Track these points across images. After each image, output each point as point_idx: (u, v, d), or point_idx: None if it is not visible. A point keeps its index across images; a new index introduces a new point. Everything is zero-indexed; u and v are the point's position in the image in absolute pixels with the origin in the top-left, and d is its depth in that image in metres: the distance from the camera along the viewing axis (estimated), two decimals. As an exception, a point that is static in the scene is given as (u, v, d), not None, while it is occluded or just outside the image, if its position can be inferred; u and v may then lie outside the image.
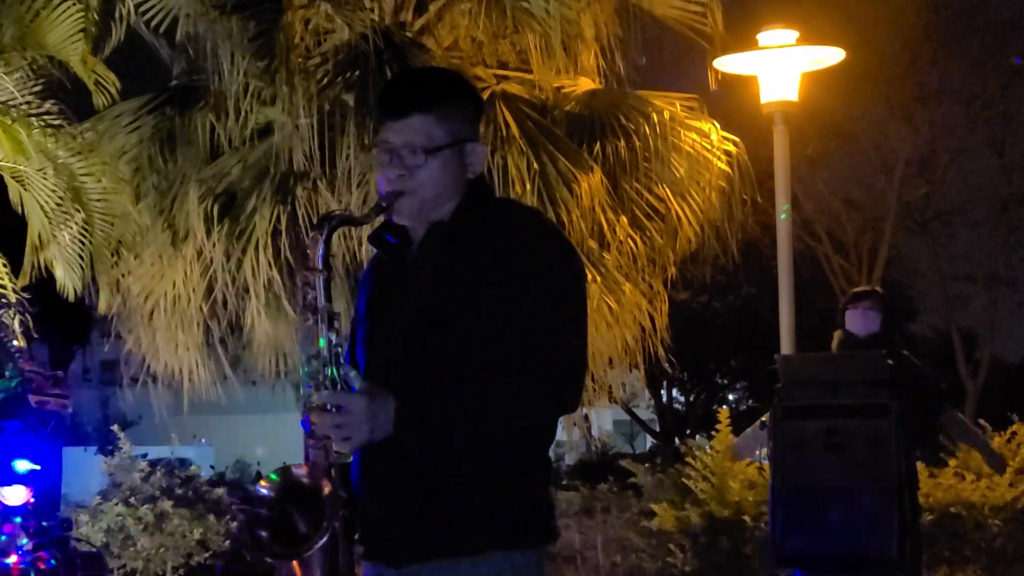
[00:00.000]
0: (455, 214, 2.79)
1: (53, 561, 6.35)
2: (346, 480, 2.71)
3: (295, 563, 2.66)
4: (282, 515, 2.64)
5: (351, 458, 2.71)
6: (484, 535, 2.69)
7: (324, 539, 2.62)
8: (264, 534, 2.64)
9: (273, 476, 2.67)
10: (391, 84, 3.03)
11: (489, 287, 2.68)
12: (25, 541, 6.33)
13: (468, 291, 2.70)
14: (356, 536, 2.75)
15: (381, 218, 2.81)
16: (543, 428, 2.79)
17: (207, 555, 10.05)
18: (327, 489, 2.64)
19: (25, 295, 7.86)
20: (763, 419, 7.07)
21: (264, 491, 2.65)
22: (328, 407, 2.64)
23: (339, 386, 2.67)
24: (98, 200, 7.96)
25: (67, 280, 8.02)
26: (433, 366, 2.69)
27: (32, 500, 6.71)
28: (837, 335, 7.07)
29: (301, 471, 2.67)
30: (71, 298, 8.15)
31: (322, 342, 2.69)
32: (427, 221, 2.79)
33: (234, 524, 10.24)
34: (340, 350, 2.70)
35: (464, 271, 2.72)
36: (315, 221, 2.88)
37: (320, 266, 2.72)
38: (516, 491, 2.71)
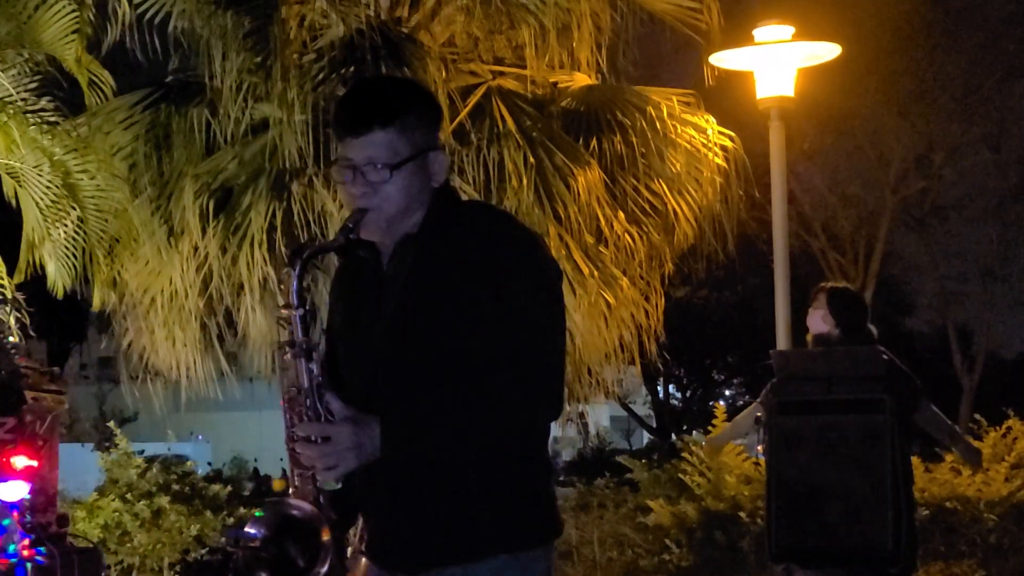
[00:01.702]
0: (423, 225, 2.76)
1: (45, 559, 6.35)
2: (335, 500, 2.72)
3: None
4: (279, 553, 2.65)
5: (339, 486, 2.72)
6: (493, 539, 2.70)
7: (324, 569, 2.64)
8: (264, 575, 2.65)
9: (259, 513, 2.68)
10: (348, 99, 2.81)
11: (463, 298, 2.67)
12: (14, 546, 6.32)
13: (443, 305, 2.69)
14: (363, 547, 2.78)
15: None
16: (537, 428, 2.78)
17: (204, 551, 10.06)
18: (320, 521, 2.66)
19: (21, 293, 7.85)
20: (758, 414, 7.05)
21: (256, 531, 2.65)
22: (313, 438, 2.65)
23: (322, 417, 2.68)
24: (93, 197, 7.95)
25: (57, 277, 8.01)
26: (415, 382, 2.68)
27: (29, 496, 6.71)
28: (810, 335, 7.03)
29: (290, 502, 2.69)
30: (60, 295, 8.14)
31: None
32: (395, 234, 2.76)
33: (231, 520, 10.27)
34: (322, 380, 2.71)
35: (438, 284, 2.70)
36: (292, 250, 2.85)
37: (295, 302, 2.73)
38: (519, 492, 2.73)
